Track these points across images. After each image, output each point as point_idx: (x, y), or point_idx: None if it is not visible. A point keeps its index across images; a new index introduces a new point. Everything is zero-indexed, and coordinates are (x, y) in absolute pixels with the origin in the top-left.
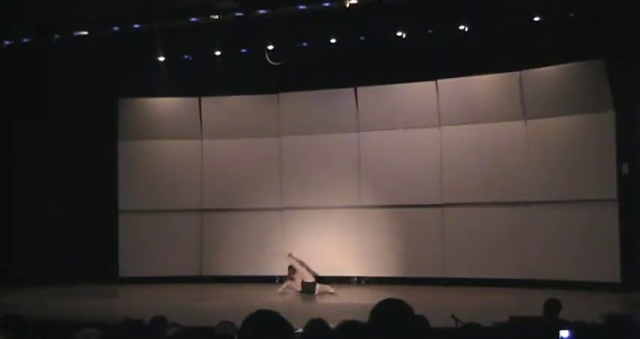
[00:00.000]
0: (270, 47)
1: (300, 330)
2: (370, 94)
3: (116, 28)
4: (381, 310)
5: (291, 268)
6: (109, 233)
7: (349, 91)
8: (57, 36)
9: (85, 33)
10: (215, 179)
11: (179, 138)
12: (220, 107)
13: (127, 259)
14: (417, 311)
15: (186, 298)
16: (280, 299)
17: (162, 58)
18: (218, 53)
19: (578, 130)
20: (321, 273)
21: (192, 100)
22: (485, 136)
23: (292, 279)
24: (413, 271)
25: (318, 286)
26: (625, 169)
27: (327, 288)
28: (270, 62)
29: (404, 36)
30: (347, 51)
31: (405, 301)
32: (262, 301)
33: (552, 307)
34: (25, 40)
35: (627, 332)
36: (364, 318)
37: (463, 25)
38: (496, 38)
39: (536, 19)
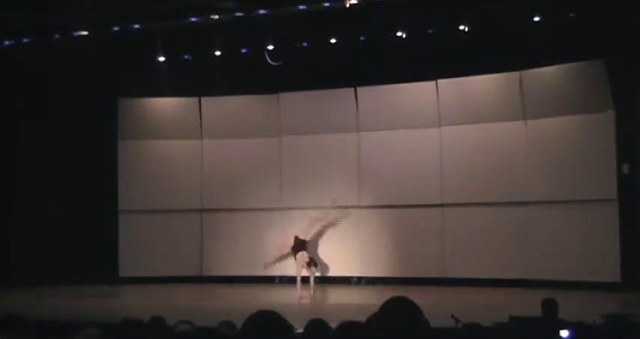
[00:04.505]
0: (270, 47)
1: (300, 330)
2: (370, 94)
3: (116, 28)
4: (391, 306)
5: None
6: (109, 233)
7: (349, 91)
8: (57, 36)
9: (85, 33)
10: (215, 179)
11: (179, 138)
12: (220, 107)
13: (127, 259)
14: None
15: (186, 298)
16: (280, 298)
17: (162, 58)
18: (218, 53)
19: (578, 130)
20: (321, 273)
21: (192, 100)
22: (485, 136)
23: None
24: (413, 271)
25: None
26: (625, 169)
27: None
28: (270, 62)
29: (404, 36)
30: (347, 51)
31: None
32: (262, 301)
33: (549, 306)
34: (25, 40)
35: (627, 332)
36: (364, 318)
37: (463, 25)
38: (496, 38)
39: (536, 19)
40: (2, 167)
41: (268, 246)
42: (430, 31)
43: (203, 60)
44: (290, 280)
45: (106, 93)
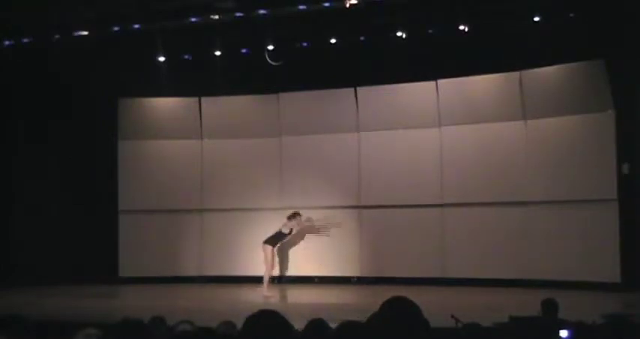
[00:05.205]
0: (270, 47)
1: (301, 330)
2: (370, 94)
3: (116, 28)
4: (390, 306)
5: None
6: (109, 233)
7: (349, 91)
8: (57, 36)
9: (85, 33)
10: (215, 179)
11: (179, 138)
12: (220, 107)
13: (127, 259)
14: None
15: (186, 298)
16: (275, 300)
17: (162, 58)
18: (218, 53)
19: (578, 130)
20: (321, 273)
21: (192, 100)
22: (485, 136)
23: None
24: (413, 271)
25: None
26: (625, 169)
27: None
28: (270, 62)
29: (404, 36)
30: (347, 51)
31: None
32: (262, 301)
33: (549, 306)
34: (25, 40)
35: (627, 332)
36: (364, 318)
37: (463, 25)
38: (496, 38)
39: (536, 19)
40: (2, 167)
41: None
42: (430, 31)
43: (203, 60)
44: (290, 280)
45: (106, 93)
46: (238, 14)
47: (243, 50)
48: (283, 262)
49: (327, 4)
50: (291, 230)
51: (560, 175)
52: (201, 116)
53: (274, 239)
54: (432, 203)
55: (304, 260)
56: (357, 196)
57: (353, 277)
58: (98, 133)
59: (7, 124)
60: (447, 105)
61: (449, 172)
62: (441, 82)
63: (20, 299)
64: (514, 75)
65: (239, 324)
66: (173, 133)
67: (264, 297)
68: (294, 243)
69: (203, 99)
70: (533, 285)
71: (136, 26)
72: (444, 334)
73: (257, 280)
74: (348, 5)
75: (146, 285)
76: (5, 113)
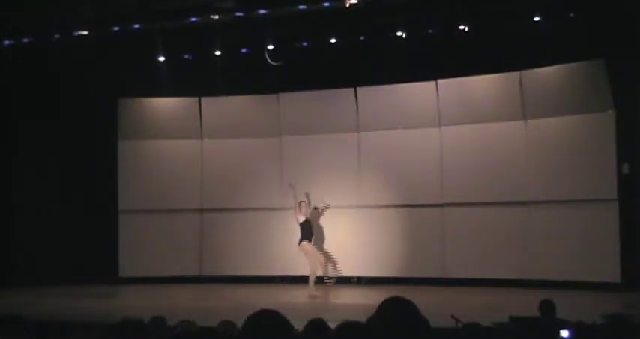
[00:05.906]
0: (270, 47)
1: (301, 330)
2: (370, 94)
3: (116, 28)
4: (388, 307)
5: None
6: (109, 233)
7: (349, 91)
8: (57, 36)
9: (85, 33)
10: (215, 179)
11: (179, 138)
12: (220, 107)
13: (127, 259)
14: None
15: (186, 298)
16: (280, 298)
17: (162, 58)
18: (218, 53)
19: (578, 130)
20: (321, 273)
21: (192, 100)
22: (485, 136)
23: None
24: (413, 271)
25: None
26: (625, 169)
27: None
28: (270, 62)
29: (404, 36)
30: (347, 51)
31: None
32: (262, 301)
33: (547, 307)
34: (25, 40)
35: (627, 332)
36: (364, 318)
37: (463, 25)
38: (496, 38)
39: (536, 19)
40: (2, 167)
41: (268, 246)
42: (430, 31)
43: (203, 60)
44: (290, 280)
45: (106, 93)
46: (238, 14)
47: (243, 50)
48: (286, 260)
49: (327, 4)
50: (305, 216)
51: (560, 175)
52: (201, 116)
53: (304, 233)
54: (432, 203)
55: (304, 260)
56: (357, 196)
57: (353, 277)
58: (98, 133)
59: (7, 124)
60: (447, 105)
61: (449, 172)
62: (441, 82)
63: (20, 299)
64: (514, 75)
65: (239, 324)
66: (173, 133)
67: (310, 296)
68: (294, 242)
69: (203, 99)
70: (533, 285)
71: (136, 26)
72: (444, 334)
73: (257, 280)
74: (348, 5)
75: (146, 285)
76: (5, 113)
